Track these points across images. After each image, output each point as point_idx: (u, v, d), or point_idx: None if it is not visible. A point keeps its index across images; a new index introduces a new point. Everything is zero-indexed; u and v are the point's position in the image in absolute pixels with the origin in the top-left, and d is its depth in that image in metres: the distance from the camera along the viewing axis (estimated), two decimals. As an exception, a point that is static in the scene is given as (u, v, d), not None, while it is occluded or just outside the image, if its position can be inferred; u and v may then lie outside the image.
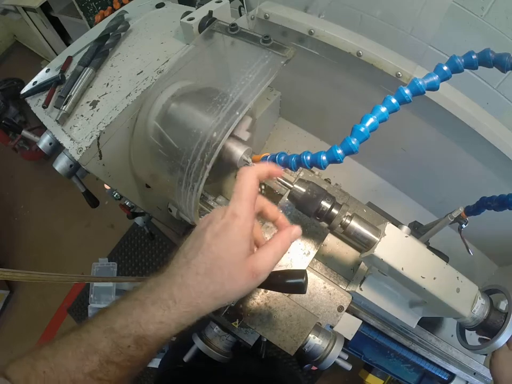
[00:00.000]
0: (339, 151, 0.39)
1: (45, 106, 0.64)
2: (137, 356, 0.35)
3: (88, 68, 0.65)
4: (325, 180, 0.68)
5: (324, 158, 0.40)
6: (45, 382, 0.33)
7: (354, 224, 0.50)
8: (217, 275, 0.35)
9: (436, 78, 0.40)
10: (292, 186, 0.50)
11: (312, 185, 0.50)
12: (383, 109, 0.39)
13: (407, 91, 0.40)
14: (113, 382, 0.35)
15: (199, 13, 0.66)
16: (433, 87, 0.40)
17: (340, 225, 0.51)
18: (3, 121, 0.82)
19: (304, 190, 0.49)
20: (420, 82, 0.40)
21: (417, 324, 0.61)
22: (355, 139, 0.38)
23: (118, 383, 0.36)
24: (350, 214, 0.51)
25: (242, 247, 0.36)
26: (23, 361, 0.35)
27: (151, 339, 0.35)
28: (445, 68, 0.40)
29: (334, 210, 0.50)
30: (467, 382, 0.74)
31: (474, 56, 0.40)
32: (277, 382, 0.83)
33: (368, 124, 0.39)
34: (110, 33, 0.72)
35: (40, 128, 0.65)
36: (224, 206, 0.39)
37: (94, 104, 0.62)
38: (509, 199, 0.61)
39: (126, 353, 0.34)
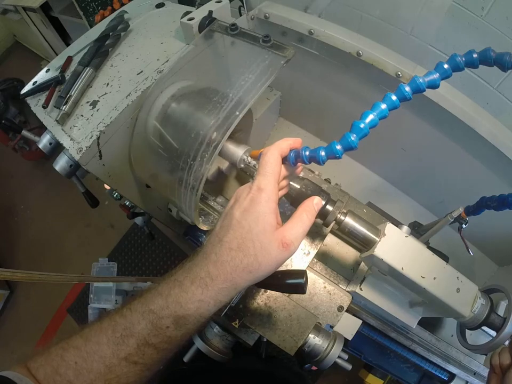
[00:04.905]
0: (338, 147, 0.39)
1: (45, 106, 0.64)
2: (175, 337, 0.36)
3: (88, 68, 0.65)
4: (325, 179, 0.68)
5: (322, 153, 0.40)
6: (76, 372, 0.33)
7: (348, 220, 0.50)
8: (250, 248, 0.36)
9: (436, 76, 0.40)
10: None
11: (307, 182, 0.50)
12: (383, 106, 0.39)
13: (407, 88, 0.39)
14: (148, 365, 0.36)
15: (199, 13, 0.66)
16: (434, 85, 0.40)
17: (334, 222, 0.51)
18: (3, 121, 0.82)
19: (298, 187, 0.49)
20: (421, 80, 0.39)
21: (417, 323, 0.61)
22: (354, 135, 0.38)
23: (152, 366, 0.37)
24: (345, 211, 0.51)
25: (270, 218, 0.37)
26: (51, 353, 0.35)
27: (191, 318, 0.35)
28: (446, 66, 0.40)
29: (329, 207, 0.50)
30: (467, 382, 0.74)
31: (475, 55, 0.40)
32: (280, 378, 0.83)
33: (368, 120, 0.38)
34: (110, 33, 0.72)
35: (40, 128, 0.65)
36: (248, 183, 0.40)
37: (94, 104, 0.62)
38: (509, 199, 0.61)
39: (164, 334, 0.35)
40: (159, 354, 0.36)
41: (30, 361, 0.35)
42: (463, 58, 0.40)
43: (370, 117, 0.39)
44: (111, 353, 0.34)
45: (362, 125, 0.38)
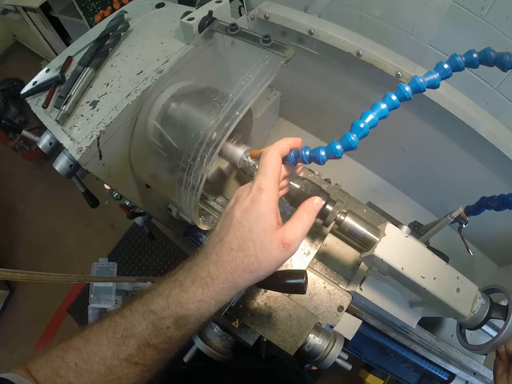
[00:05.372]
0: (338, 147, 0.39)
1: (45, 106, 0.64)
2: (175, 337, 0.36)
3: (88, 68, 0.65)
4: (325, 179, 0.68)
5: (322, 153, 0.40)
6: (77, 374, 0.33)
7: (348, 220, 0.50)
8: (250, 248, 0.36)
9: (436, 76, 0.40)
10: None
11: (307, 182, 0.50)
12: (383, 106, 0.39)
13: (407, 88, 0.39)
14: (149, 366, 0.36)
15: (199, 13, 0.66)
16: (434, 85, 0.40)
17: (334, 222, 0.51)
18: (3, 121, 0.82)
19: (298, 187, 0.49)
20: (421, 80, 0.39)
21: (417, 323, 0.61)
22: (354, 135, 0.38)
23: (153, 367, 0.36)
24: (345, 211, 0.51)
25: (271, 219, 0.37)
26: (51, 355, 0.35)
27: (192, 318, 0.35)
28: (446, 66, 0.40)
29: (328, 207, 0.50)
30: (467, 382, 0.74)
31: (475, 55, 0.40)
32: (281, 378, 0.83)
33: (368, 120, 0.38)
34: (110, 33, 0.72)
35: (40, 128, 0.65)
36: (248, 183, 0.40)
37: (94, 104, 0.62)
38: (509, 199, 0.61)
39: (164, 335, 0.35)
40: (159, 354, 0.36)
41: (29, 363, 0.34)
42: (463, 58, 0.40)
43: (370, 117, 0.39)
44: (111, 354, 0.34)
45: (362, 125, 0.38)
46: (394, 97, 0.39)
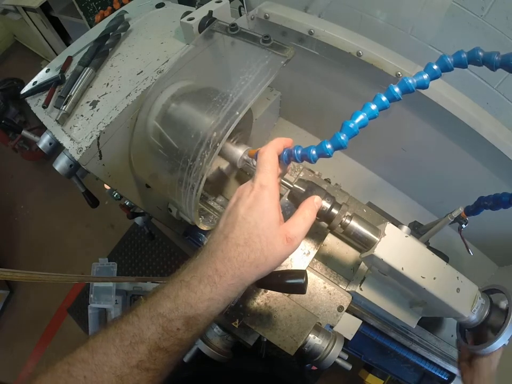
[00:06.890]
0: (328, 146, 0.40)
1: (45, 106, 0.64)
2: (186, 339, 0.35)
3: (88, 68, 0.65)
4: (325, 179, 0.69)
5: (313, 152, 0.41)
6: None
7: (354, 224, 0.50)
8: (256, 243, 0.36)
9: (425, 76, 0.41)
10: (291, 186, 0.50)
11: (312, 185, 0.50)
12: (373, 106, 0.40)
13: (396, 89, 0.40)
14: (160, 371, 0.35)
15: (199, 13, 0.66)
16: (423, 86, 0.41)
17: (339, 225, 0.51)
18: (3, 121, 0.82)
19: (304, 190, 0.50)
20: (410, 81, 0.40)
21: (417, 323, 0.61)
22: (344, 134, 0.39)
23: (164, 371, 0.36)
24: (350, 214, 0.51)
25: (275, 214, 0.38)
26: (57, 370, 0.33)
27: (201, 318, 0.35)
28: (435, 66, 0.41)
29: (334, 210, 0.50)
30: (467, 382, 0.73)
31: (463, 55, 0.41)
32: (280, 379, 0.83)
33: (357, 120, 0.40)
34: (110, 33, 0.72)
35: (40, 128, 0.65)
36: (249, 182, 0.41)
37: (94, 104, 0.62)
38: (503, 198, 0.61)
39: (175, 337, 0.35)
40: (170, 358, 0.35)
41: (34, 381, 0.33)
42: (452, 59, 0.41)
43: (360, 117, 0.40)
44: (121, 362, 0.33)
45: (352, 125, 0.39)
46: (384, 98, 0.40)
